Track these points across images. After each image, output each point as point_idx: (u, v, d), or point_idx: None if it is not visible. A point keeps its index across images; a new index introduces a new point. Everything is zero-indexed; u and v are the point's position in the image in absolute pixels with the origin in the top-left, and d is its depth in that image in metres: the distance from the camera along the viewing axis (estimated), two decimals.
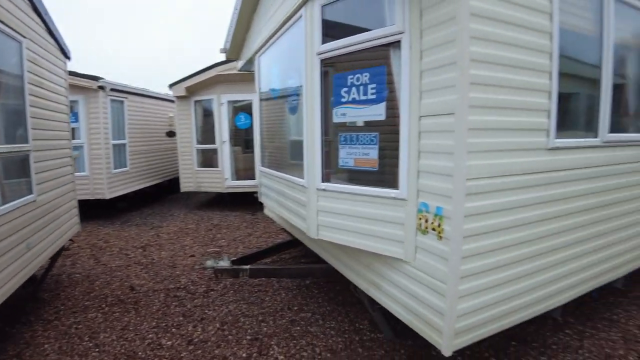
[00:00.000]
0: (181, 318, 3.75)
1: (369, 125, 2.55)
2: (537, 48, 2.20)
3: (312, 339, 3.33)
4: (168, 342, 3.30)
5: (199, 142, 9.39)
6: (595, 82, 2.75)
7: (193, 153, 9.37)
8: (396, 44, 2.25)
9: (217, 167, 9.17)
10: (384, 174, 2.49)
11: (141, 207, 9.61)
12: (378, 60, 2.42)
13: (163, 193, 11.52)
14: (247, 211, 8.89)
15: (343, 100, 2.63)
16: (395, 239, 2.38)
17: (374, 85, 2.44)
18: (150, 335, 3.41)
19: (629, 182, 3.10)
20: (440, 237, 2.06)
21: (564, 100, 2.50)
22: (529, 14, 2.13)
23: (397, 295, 2.48)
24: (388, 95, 2.39)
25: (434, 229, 2.11)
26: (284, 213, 3.83)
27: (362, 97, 2.51)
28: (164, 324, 3.62)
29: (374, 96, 2.44)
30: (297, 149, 3.56)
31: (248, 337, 3.36)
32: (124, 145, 8.88)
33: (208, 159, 9.49)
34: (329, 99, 2.75)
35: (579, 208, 2.69)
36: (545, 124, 2.35)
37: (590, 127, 2.77)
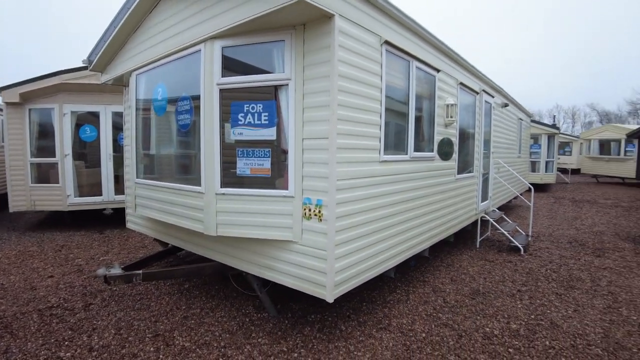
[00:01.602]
0: (70, 332, 3.70)
1: (263, 143, 3.34)
2: (373, 97, 3.44)
3: (209, 326, 3.84)
4: (67, 354, 3.30)
5: (34, 155, 8.31)
6: (406, 119, 4.21)
7: (27, 167, 8.22)
8: (285, 86, 3.14)
9: (57, 182, 8.29)
10: (276, 179, 3.32)
11: None
12: (270, 95, 3.26)
13: None
14: (93, 230, 8.34)
15: (240, 123, 3.35)
16: (286, 226, 3.23)
17: (266, 114, 3.25)
18: (42, 352, 3.32)
19: (426, 183, 4.73)
20: (320, 220, 3.01)
21: (390, 131, 3.83)
22: (369, 76, 3.34)
23: (289, 270, 3.31)
24: (278, 121, 3.24)
25: (315, 215, 3.05)
26: (171, 220, 4.19)
27: (257, 122, 3.29)
28: (53, 340, 3.54)
29: (266, 121, 3.26)
30: (189, 161, 4.06)
31: (149, 335, 3.64)
32: None
33: (45, 174, 8.48)
34: (227, 121, 3.42)
35: (400, 199, 4.07)
36: (378, 145, 3.60)
37: (404, 147, 4.20)
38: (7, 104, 7.87)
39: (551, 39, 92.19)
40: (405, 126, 4.21)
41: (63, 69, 7.84)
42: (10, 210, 8.20)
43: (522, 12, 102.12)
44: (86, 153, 9.43)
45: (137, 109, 4.81)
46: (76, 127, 8.37)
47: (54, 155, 8.21)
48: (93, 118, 8.48)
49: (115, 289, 4.80)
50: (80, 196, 8.44)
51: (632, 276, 5.38)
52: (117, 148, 8.64)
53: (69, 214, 8.68)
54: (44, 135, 8.39)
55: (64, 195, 8.22)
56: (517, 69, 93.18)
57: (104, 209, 8.68)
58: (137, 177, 4.88)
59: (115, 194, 8.56)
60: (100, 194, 8.51)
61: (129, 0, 4.39)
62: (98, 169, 8.54)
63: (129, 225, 6.05)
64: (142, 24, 4.59)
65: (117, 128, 8.62)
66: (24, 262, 6.00)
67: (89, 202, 8.45)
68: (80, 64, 7.92)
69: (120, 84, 5.97)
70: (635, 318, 4.05)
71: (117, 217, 9.46)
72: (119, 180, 8.66)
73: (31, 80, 7.81)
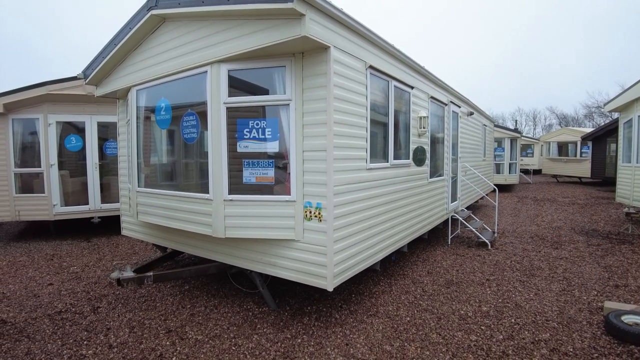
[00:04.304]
0: (86, 333, 3.99)
1: (267, 154, 3.79)
2: (361, 114, 3.98)
3: (216, 321, 4.22)
4: (89, 352, 3.60)
5: (18, 166, 8.35)
6: (386, 131, 4.77)
7: (10, 177, 8.25)
8: (286, 105, 3.62)
9: (42, 192, 8.37)
10: (278, 186, 3.78)
11: None
12: (273, 113, 3.72)
13: None
14: (78, 238, 8.49)
15: (246, 137, 3.79)
16: (289, 227, 3.70)
17: (270, 129, 3.72)
18: (65, 352, 3.60)
19: (404, 187, 5.31)
20: (320, 220, 3.51)
21: (374, 142, 4.37)
22: (357, 96, 3.88)
23: (291, 265, 3.78)
24: (280, 135, 3.71)
25: (316, 216, 3.54)
26: (177, 225, 4.54)
27: (261, 136, 3.75)
28: (71, 340, 3.82)
29: (270, 136, 3.72)
30: (195, 171, 4.45)
31: (163, 331, 3.99)
32: None
33: (29, 184, 8.52)
34: (233, 135, 3.86)
35: (383, 201, 4.63)
36: (365, 155, 4.14)
37: (385, 156, 4.76)
38: None
39: (512, 47, 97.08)
40: (386, 137, 4.77)
41: (49, 79, 7.96)
42: None
43: (487, 26, 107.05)
44: (70, 162, 9.49)
45: (137, 122, 5.12)
46: (61, 136, 8.48)
47: (39, 165, 8.29)
48: (78, 128, 8.62)
49: (118, 292, 5.09)
50: (66, 205, 8.53)
51: (584, 264, 6.16)
52: (103, 157, 8.81)
53: (54, 224, 8.74)
54: (28, 145, 8.45)
55: (50, 204, 8.31)
56: (482, 74, 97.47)
57: (92, 218, 8.80)
58: (138, 186, 5.18)
59: (102, 203, 8.71)
60: (87, 203, 8.63)
61: (132, 21, 4.73)
62: (84, 178, 8.67)
63: (124, 232, 6.30)
64: (142, 43, 4.93)
65: (102, 138, 8.79)
66: (18, 272, 6.13)
67: (75, 211, 8.56)
68: (66, 76, 8.16)
69: (114, 97, 6.25)
70: (585, 298, 4.76)
71: (103, 225, 9.59)
72: (103, 189, 8.82)
73: (16, 90, 7.89)
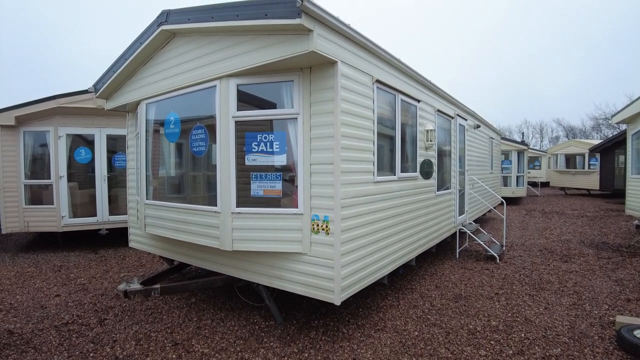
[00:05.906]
0: (92, 345, 3.98)
1: (274, 167, 3.82)
2: (368, 128, 4.01)
3: (223, 335, 4.20)
4: None
5: (28, 177, 8.47)
6: (393, 144, 4.79)
7: (20, 189, 8.36)
8: (294, 119, 3.66)
9: (51, 204, 8.45)
10: (286, 198, 3.79)
11: None
12: (281, 126, 3.76)
13: None
14: (86, 250, 8.52)
15: (254, 150, 3.83)
16: (297, 240, 3.70)
17: (277, 143, 3.75)
18: None
19: (412, 200, 5.30)
20: (328, 233, 3.50)
21: (381, 155, 4.39)
22: (364, 110, 3.92)
23: (298, 279, 3.76)
24: (287, 149, 3.74)
25: (323, 229, 3.54)
26: (184, 237, 4.56)
27: (269, 149, 3.78)
28: (77, 352, 3.81)
29: (278, 149, 3.76)
30: (203, 183, 4.48)
31: (169, 345, 3.97)
32: None
33: (39, 196, 8.63)
34: (241, 148, 3.89)
35: (391, 214, 4.62)
36: (372, 168, 4.16)
37: (392, 169, 4.77)
38: (2, 126, 8.04)
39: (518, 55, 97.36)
40: (393, 150, 4.78)
41: (59, 93, 8.12)
42: (3, 232, 8.28)
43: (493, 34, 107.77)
44: (79, 174, 9.58)
45: (146, 135, 5.19)
46: (70, 149, 8.61)
47: (48, 177, 8.40)
48: (88, 140, 8.75)
49: (125, 304, 5.09)
50: (74, 217, 8.60)
51: (595, 277, 6.06)
52: (111, 170, 8.91)
53: (62, 235, 8.80)
54: (39, 157, 8.58)
55: (59, 216, 8.38)
56: (488, 84, 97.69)
57: (100, 230, 8.85)
58: (146, 199, 5.22)
59: (110, 215, 8.77)
60: (95, 215, 8.70)
61: (142, 36, 4.83)
62: (92, 190, 8.76)
63: (132, 244, 6.32)
64: (152, 58, 5.03)
65: (111, 151, 8.90)
66: (26, 283, 6.17)
67: (83, 222, 8.62)
68: (76, 89, 8.32)
69: (123, 111, 6.34)
70: (596, 312, 4.68)
71: (110, 237, 9.63)
72: (111, 201, 8.90)
73: (28, 103, 8.05)
